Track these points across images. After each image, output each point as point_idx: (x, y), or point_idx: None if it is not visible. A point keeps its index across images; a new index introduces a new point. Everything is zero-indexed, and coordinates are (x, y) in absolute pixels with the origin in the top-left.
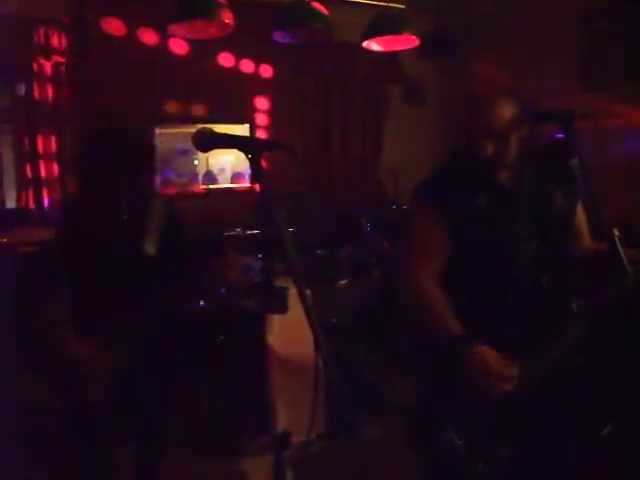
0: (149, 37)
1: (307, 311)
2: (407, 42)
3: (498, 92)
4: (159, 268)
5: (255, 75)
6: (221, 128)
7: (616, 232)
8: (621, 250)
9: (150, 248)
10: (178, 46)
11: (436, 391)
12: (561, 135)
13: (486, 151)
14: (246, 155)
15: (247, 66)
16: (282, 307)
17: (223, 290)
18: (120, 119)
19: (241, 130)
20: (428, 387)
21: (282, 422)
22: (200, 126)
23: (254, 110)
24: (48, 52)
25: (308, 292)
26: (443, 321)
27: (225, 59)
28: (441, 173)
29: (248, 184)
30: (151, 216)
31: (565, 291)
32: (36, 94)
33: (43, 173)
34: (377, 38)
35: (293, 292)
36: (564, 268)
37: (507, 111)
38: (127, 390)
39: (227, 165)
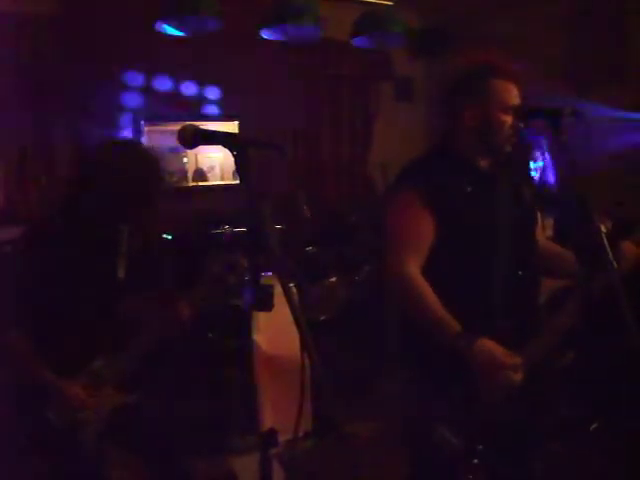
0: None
1: (292, 309)
2: (396, 39)
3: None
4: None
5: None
6: (210, 125)
7: (603, 228)
8: (607, 246)
9: (121, 272)
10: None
11: (431, 388)
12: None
13: (472, 137)
14: (231, 152)
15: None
16: (268, 305)
17: None
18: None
19: (230, 127)
20: (423, 384)
21: (269, 420)
22: (187, 123)
23: (241, 106)
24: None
25: (293, 289)
26: (440, 318)
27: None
28: (424, 160)
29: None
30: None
31: (535, 286)
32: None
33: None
34: (365, 35)
35: (279, 290)
36: (535, 264)
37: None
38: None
39: (217, 163)
